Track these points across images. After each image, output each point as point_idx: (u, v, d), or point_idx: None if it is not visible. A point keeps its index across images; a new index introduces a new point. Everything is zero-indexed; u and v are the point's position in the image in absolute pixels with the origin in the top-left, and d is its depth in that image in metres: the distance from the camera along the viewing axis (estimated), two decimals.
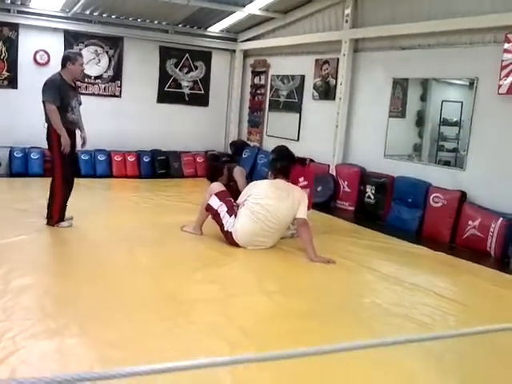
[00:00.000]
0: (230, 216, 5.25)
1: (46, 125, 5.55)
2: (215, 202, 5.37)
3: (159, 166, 9.88)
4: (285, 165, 5.53)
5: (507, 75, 5.71)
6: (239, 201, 5.35)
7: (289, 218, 5.27)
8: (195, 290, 4.13)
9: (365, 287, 4.68)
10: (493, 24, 5.96)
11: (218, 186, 5.58)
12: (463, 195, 6.36)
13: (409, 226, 6.73)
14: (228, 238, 5.28)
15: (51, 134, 5.50)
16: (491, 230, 5.82)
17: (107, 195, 8.35)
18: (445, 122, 7.50)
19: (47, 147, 5.70)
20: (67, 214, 5.71)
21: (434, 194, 6.57)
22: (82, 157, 9.00)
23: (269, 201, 5.15)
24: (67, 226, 5.64)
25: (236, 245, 5.25)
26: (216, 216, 5.37)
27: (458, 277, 5.08)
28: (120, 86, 9.94)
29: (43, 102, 5.43)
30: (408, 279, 4.77)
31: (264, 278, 4.60)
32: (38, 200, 6.46)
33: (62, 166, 5.55)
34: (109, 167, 9.41)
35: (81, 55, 5.87)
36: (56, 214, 5.62)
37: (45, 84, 5.53)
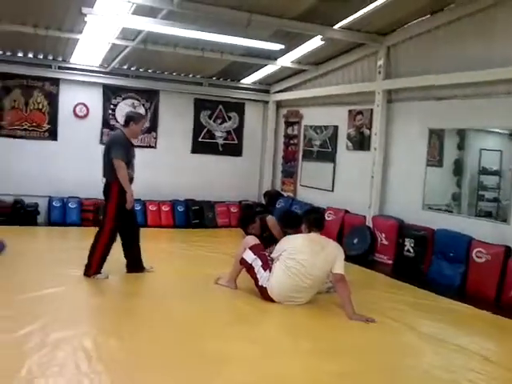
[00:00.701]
0: (265, 270, 5.15)
1: (104, 180, 5.76)
2: (249, 256, 5.29)
3: (193, 215, 9.94)
4: (318, 217, 5.45)
5: None
6: (274, 255, 5.26)
7: (324, 273, 5.13)
8: (229, 348, 4.00)
9: (406, 348, 4.43)
10: None
11: (252, 239, 5.51)
12: (508, 250, 6.08)
13: (451, 282, 6.45)
14: (262, 293, 5.17)
15: (111, 188, 5.67)
16: None
17: (141, 245, 8.33)
18: (484, 171, 7.32)
19: (104, 200, 5.85)
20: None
21: (477, 249, 6.30)
22: None
23: (304, 256, 5.03)
24: (104, 278, 5.69)
25: (271, 300, 5.13)
26: (250, 270, 5.28)
27: (504, 339, 4.80)
28: (156, 138, 10.16)
29: (111, 158, 5.60)
30: (452, 340, 4.53)
31: (300, 338, 4.42)
32: (75, 250, 6.56)
33: (114, 220, 5.70)
34: (144, 217, 9.48)
35: (144, 117, 6.13)
36: (95, 264, 5.68)
37: (112, 141, 5.80)
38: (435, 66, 7.07)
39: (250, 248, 5.35)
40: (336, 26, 7.40)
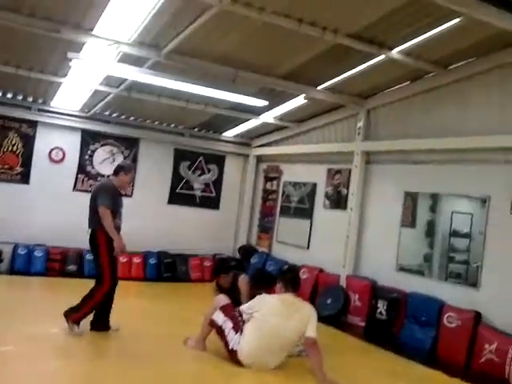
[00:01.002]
0: (236, 333, 4.97)
1: (89, 230, 5.65)
2: (220, 318, 5.12)
3: (165, 268, 9.71)
4: (294, 277, 5.36)
5: None
6: (245, 316, 5.10)
7: (297, 336, 5.00)
8: None
9: None
10: (503, 144, 6.02)
11: (223, 299, 5.36)
12: (478, 316, 6.10)
13: (422, 346, 6.41)
14: (232, 357, 4.96)
15: (98, 238, 5.55)
16: (509, 355, 5.51)
17: None
18: (455, 234, 7.41)
19: (92, 252, 5.71)
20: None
21: (448, 314, 6.31)
22: (87, 256, 8.88)
23: (277, 318, 4.89)
24: (78, 335, 5.39)
25: (240, 364, 4.93)
26: (220, 332, 5.09)
27: None
28: (132, 186, 10.02)
29: (97, 205, 5.52)
30: None
31: None
32: (33, 302, 6.25)
33: (111, 269, 5.56)
34: None
35: (134, 169, 6.06)
36: (81, 313, 5.45)
37: (100, 189, 5.73)
38: (413, 131, 7.26)
39: (221, 308, 5.19)
40: (319, 87, 7.60)
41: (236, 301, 5.69)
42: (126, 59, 6.55)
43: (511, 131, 5.95)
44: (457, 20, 5.14)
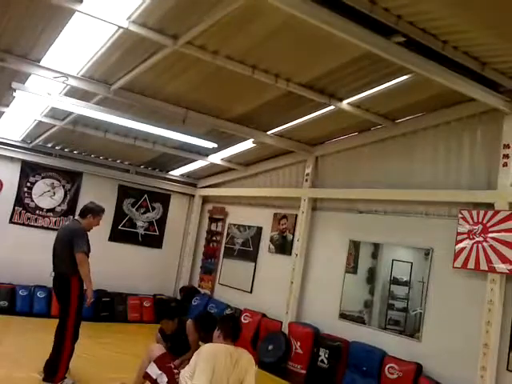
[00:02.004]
0: None
1: (53, 273, 5.46)
2: (154, 371, 4.85)
3: (103, 307, 9.31)
4: (235, 326, 5.09)
5: (461, 250, 5.81)
6: (187, 369, 4.81)
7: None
8: None
9: None
10: (446, 199, 6.20)
11: (158, 350, 5.09)
12: (419, 367, 6.12)
13: None
14: None
15: (71, 285, 5.34)
16: None
17: (39, 338, 7.58)
18: (395, 281, 7.51)
19: (58, 295, 5.49)
20: None
21: (389, 365, 6.30)
22: (20, 292, 8.47)
23: (218, 375, 4.61)
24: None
25: None
26: None
27: None
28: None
29: (75, 252, 5.29)
30: None
31: None
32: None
33: (76, 318, 5.37)
34: (48, 306, 8.72)
35: (103, 212, 5.91)
36: (63, 368, 5.24)
37: (74, 234, 5.45)
38: (359, 180, 7.40)
39: (155, 361, 4.93)
40: (269, 132, 7.66)
41: (181, 347, 5.48)
42: (73, 93, 6.41)
43: (455, 186, 6.15)
44: (407, 76, 5.32)
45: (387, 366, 6.30)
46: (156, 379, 4.81)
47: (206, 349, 4.75)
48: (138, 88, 6.31)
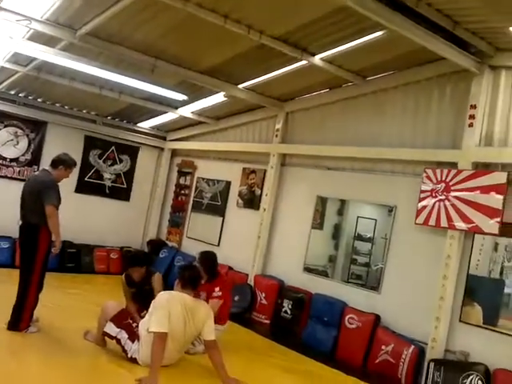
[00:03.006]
0: (133, 342, 4.80)
1: (20, 222, 5.37)
2: (112, 330, 4.91)
3: (69, 259, 9.28)
4: (194, 275, 5.21)
5: (424, 207, 5.97)
6: (146, 318, 4.90)
7: (192, 338, 5.03)
8: None
9: None
10: (412, 157, 6.31)
11: (112, 308, 5.11)
12: (377, 318, 6.39)
13: (323, 346, 6.61)
14: (133, 361, 4.81)
15: (39, 235, 5.26)
16: (403, 356, 5.81)
17: (4, 289, 7.51)
18: (359, 237, 7.73)
19: (24, 244, 5.38)
20: None
21: (349, 315, 6.56)
22: None
23: (176, 326, 4.71)
24: (36, 331, 5.23)
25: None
26: (117, 342, 4.90)
27: None
28: (36, 171, 9.48)
29: (44, 204, 5.20)
30: None
31: None
32: None
33: (42, 267, 5.32)
34: (12, 256, 8.59)
35: (75, 165, 5.82)
36: (27, 317, 5.21)
37: (44, 185, 5.33)
38: (328, 137, 7.45)
39: (112, 320, 4.97)
40: (240, 86, 7.59)
41: (145, 295, 5.58)
42: (37, 37, 6.19)
43: (421, 145, 6.27)
44: (380, 33, 5.31)
45: (347, 316, 6.56)
46: (116, 336, 4.89)
47: (160, 297, 4.92)
48: (105, 34, 6.13)
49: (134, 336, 4.84)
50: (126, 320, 5.00)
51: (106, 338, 5.07)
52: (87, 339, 5.27)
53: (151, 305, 4.90)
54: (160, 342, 4.55)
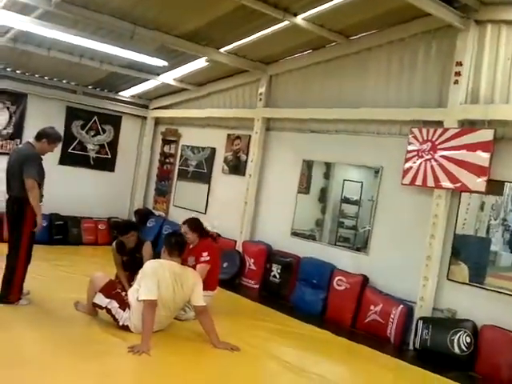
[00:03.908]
0: (124, 310, 4.81)
1: (6, 196, 5.30)
2: (102, 300, 4.90)
3: (56, 231, 9.24)
4: (180, 241, 5.23)
5: (410, 167, 5.96)
6: (135, 286, 4.91)
7: (182, 304, 5.06)
8: None
9: (267, 378, 4.47)
10: (398, 117, 6.27)
11: (100, 280, 5.08)
12: (365, 279, 6.45)
13: (312, 308, 6.68)
14: (125, 329, 4.83)
15: (25, 208, 5.18)
16: (392, 316, 5.90)
17: None
18: (346, 200, 7.76)
19: (11, 216, 5.31)
20: None
21: (338, 277, 6.61)
22: None
23: (165, 293, 4.74)
24: (27, 304, 5.25)
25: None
26: (108, 312, 4.90)
27: (361, 367, 5.02)
28: (19, 145, 9.33)
29: (24, 177, 5.11)
30: (313, 369, 4.61)
31: (161, 371, 4.17)
32: None
33: (30, 240, 5.29)
34: None
35: (60, 140, 5.71)
36: (17, 290, 5.21)
37: (26, 158, 5.23)
38: (312, 99, 7.37)
39: (101, 291, 4.95)
40: (222, 50, 7.44)
41: (135, 263, 5.62)
42: (11, 6, 6.01)
43: (407, 105, 6.20)
44: None
45: (336, 278, 6.62)
46: (106, 306, 4.89)
47: (148, 265, 4.94)
48: (81, 1, 5.96)
49: (124, 305, 4.85)
50: (115, 290, 4.99)
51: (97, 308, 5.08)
52: (79, 310, 5.28)
53: (139, 273, 4.92)
54: (150, 310, 4.58)
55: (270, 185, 8.09)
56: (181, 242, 5.18)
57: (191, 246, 5.80)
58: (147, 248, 5.98)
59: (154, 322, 4.66)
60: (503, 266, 5.54)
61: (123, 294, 4.95)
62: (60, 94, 9.73)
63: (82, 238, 9.54)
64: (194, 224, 5.94)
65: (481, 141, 5.36)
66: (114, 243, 6.08)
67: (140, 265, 5.30)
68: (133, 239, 5.90)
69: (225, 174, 8.95)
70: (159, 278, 4.72)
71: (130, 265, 5.85)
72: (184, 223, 6.00)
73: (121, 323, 4.82)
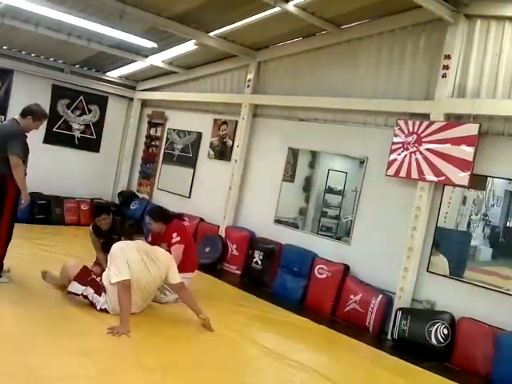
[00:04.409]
0: (100, 295, 4.80)
1: None
2: (78, 288, 4.88)
3: (39, 210, 9.15)
4: (133, 223, 5.30)
5: (395, 159, 5.99)
6: (107, 271, 4.90)
7: (157, 285, 5.06)
8: (62, 364, 3.65)
9: (247, 364, 4.48)
10: (385, 108, 6.28)
11: (73, 268, 5.05)
12: (347, 268, 6.50)
13: (293, 295, 6.73)
14: (103, 312, 4.82)
15: (7, 185, 5.12)
16: (371, 305, 5.96)
17: None
18: (329, 190, 7.78)
19: None
20: None
21: (319, 266, 6.65)
22: None
23: (138, 272, 4.75)
24: (7, 282, 5.20)
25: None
26: (84, 298, 4.88)
27: (338, 354, 5.08)
28: (3, 121, 9.19)
29: (8, 155, 5.03)
30: (291, 356, 4.65)
31: (139, 352, 4.20)
32: None
33: (11, 218, 5.25)
34: None
35: (46, 118, 5.63)
36: None
37: (10, 135, 5.15)
38: (301, 87, 7.35)
39: (75, 279, 4.93)
40: (211, 34, 7.38)
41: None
42: None
43: (394, 96, 6.22)
44: None
45: (317, 266, 6.66)
46: (82, 293, 4.87)
47: (114, 247, 4.94)
48: None
49: (100, 289, 4.84)
50: (90, 276, 4.97)
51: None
52: (46, 281, 5.34)
53: (108, 257, 4.91)
54: (125, 290, 4.59)
55: (255, 171, 8.09)
56: (135, 223, 5.26)
57: (161, 234, 5.83)
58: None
59: (131, 304, 4.66)
60: (482, 260, 5.63)
61: (98, 279, 4.94)
62: (47, 72, 9.61)
63: (64, 218, 9.48)
64: (157, 214, 5.97)
65: (466, 135, 5.40)
66: (90, 226, 6.07)
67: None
68: (105, 222, 5.87)
69: (210, 159, 8.92)
70: (128, 258, 4.73)
71: (108, 247, 5.77)
72: (147, 214, 6.03)
73: (98, 307, 4.81)
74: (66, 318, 4.67)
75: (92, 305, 4.84)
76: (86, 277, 4.94)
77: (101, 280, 4.91)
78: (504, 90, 5.32)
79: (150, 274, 4.83)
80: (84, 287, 4.86)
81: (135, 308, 4.81)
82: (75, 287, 4.89)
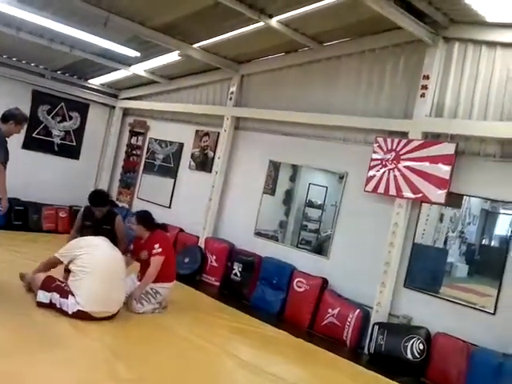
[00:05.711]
0: (67, 298, 4.80)
1: None
2: (44, 297, 4.90)
3: (16, 216, 9.01)
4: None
5: (374, 175, 6.09)
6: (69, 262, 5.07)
7: (122, 272, 5.22)
8: (36, 375, 3.60)
9: (224, 377, 4.48)
10: (364, 125, 6.38)
11: (38, 279, 5.08)
12: (325, 282, 6.54)
13: (272, 308, 6.75)
14: (79, 317, 4.77)
15: None
16: (349, 319, 6.01)
17: None
18: (310, 204, 7.84)
19: None
20: None
21: (298, 279, 6.69)
22: None
23: (99, 255, 4.99)
24: None
25: (90, 318, 4.78)
26: (53, 307, 4.86)
27: (316, 369, 5.09)
28: None
29: None
30: (268, 369, 4.66)
31: (116, 362, 4.15)
32: None
33: None
34: None
35: (27, 121, 5.63)
36: None
37: None
38: (283, 102, 7.43)
39: (41, 288, 4.94)
40: (195, 45, 7.42)
41: (97, 234, 5.61)
42: None
43: (373, 114, 6.33)
44: None
45: (296, 279, 6.69)
46: (50, 302, 4.87)
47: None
48: None
49: (65, 293, 4.84)
50: (54, 283, 4.98)
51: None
52: (23, 281, 5.45)
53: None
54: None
55: (235, 183, 8.12)
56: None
57: (142, 241, 5.83)
58: (121, 224, 6.14)
59: (102, 302, 4.86)
60: (458, 276, 5.73)
61: (63, 284, 4.96)
62: (27, 77, 9.53)
63: (42, 225, 9.37)
64: (141, 217, 5.99)
65: (443, 154, 5.52)
66: (83, 206, 6.16)
67: (107, 236, 5.43)
68: (99, 213, 5.98)
69: (191, 170, 8.93)
70: (85, 244, 5.08)
71: (92, 232, 5.72)
72: (132, 215, 6.07)
73: (70, 312, 4.79)
74: (41, 326, 4.61)
75: (63, 312, 4.80)
76: (51, 284, 4.97)
77: (66, 285, 4.94)
78: (480, 111, 5.45)
79: (113, 255, 5.17)
80: (50, 293, 4.88)
81: (105, 306, 4.95)
82: (43, 295, 4.92)
